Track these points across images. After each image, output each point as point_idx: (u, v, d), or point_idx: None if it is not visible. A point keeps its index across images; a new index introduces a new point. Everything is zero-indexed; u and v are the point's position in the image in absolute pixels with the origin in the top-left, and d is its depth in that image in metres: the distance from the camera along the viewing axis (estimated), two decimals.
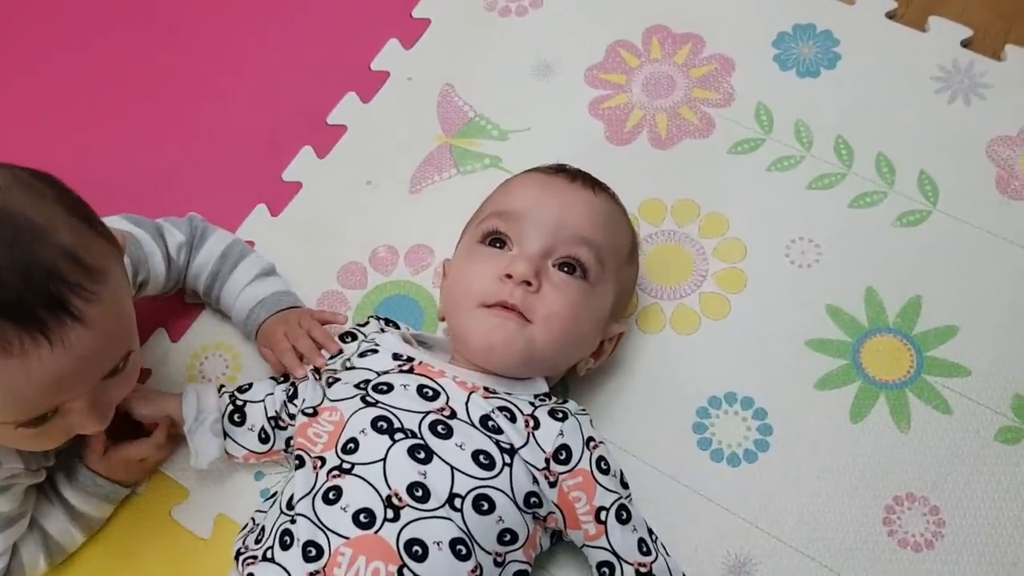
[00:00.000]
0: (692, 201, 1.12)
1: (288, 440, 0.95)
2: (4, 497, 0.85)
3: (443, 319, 1.01)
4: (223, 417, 0.96)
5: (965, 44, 1.20)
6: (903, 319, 1.04)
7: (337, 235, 1.14)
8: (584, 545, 0.88)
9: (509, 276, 0.88)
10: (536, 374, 0.92)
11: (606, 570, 0.87)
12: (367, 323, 1.00)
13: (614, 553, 0.86)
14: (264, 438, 0.96)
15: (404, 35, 1.27)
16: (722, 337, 1.04)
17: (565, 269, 0.91)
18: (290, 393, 0.96)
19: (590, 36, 1.25)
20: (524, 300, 0.88)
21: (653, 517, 0.92)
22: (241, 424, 0.96)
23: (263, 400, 0.97)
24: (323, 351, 0.96)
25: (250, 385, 0.99)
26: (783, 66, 1.21)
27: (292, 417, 0.94)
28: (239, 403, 0.97)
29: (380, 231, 1.14)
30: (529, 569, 0.86)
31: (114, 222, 0.93)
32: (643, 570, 0.86)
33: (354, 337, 0.98)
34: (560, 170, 0.98)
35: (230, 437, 0.96)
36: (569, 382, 1.01)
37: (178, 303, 1.09)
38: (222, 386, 1.00)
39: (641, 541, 0.87)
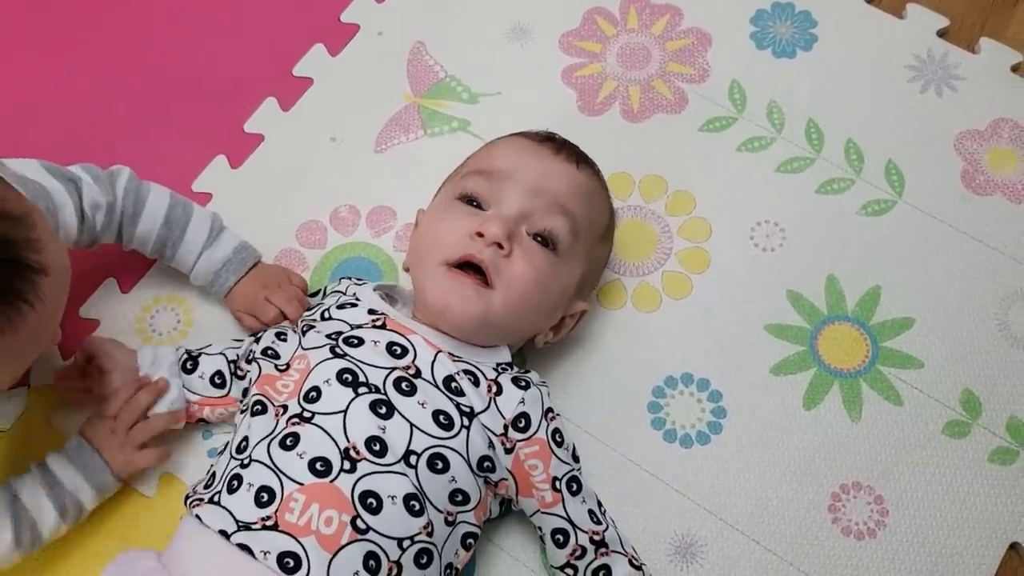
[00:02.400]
0: (661, 177, 1.11)
1: (245, 391, 0.94)
2: None
3: (407, 270, 0.99)
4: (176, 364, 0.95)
5: (941, 34, 1.19)
6: (862, 308, 1.04)
7: (298, 191, 1.12)
8: (537, 512, 0.89)
9: (480, 235, 0.88)
10: (491, 341, 0.91)
11: (560, 537, 0.88)
12: (339, 283, 0.99)
13: (569, 521, 0.87)
14: (219, 383, 0.95)
15: None
16: (682, 317, 1.04)
17: (539, 239, 0.90)
18: (255, 337, 0.95)
19: (567, 1, 1.23)
20: (493, 260, 0.87)
21: (603, 494, 0.93)
22: (192, 372, 0.96)
23: (222, 352, 0.96)
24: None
25: (208, 346, 0.98)
26: (760, 44, 1.19)
27: (250, 361, 0.93)
28: (194, 354, 0.97)
29: (342, 190, 1.12)
30: (479, 532, 0.87)
31: (27, 168, 0.89)
32: (596, 538, 0.88)
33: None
34: (547, 139, 0.97)
35: (185, 386, 0.95)
36: (526, 353, 1.01)
37: (130, 253, 1.07)
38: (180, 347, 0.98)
39: (591, 512, 0.88)
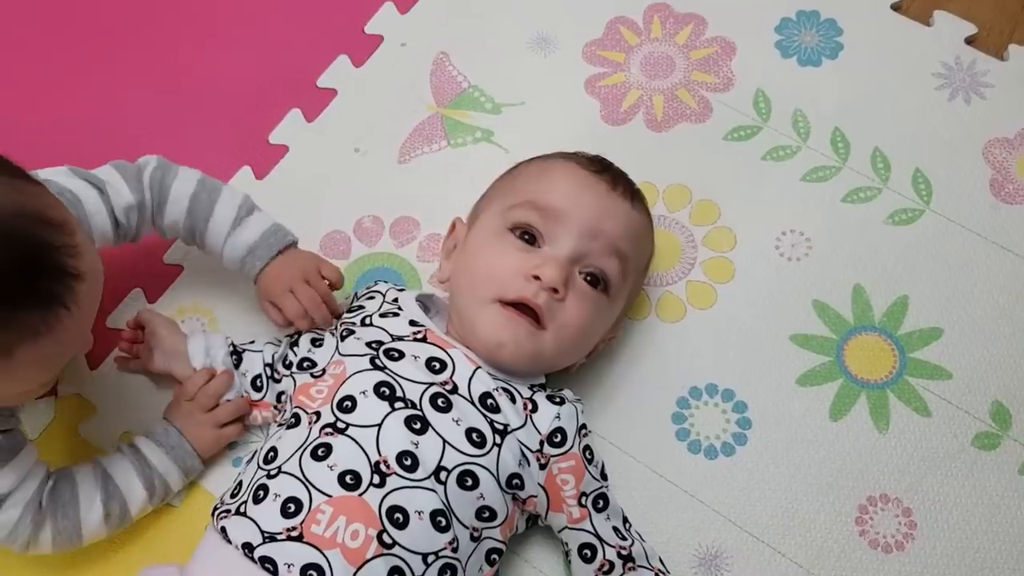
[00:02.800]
0: (685, 187, 1.11)
1: (279, 395, 0.95)
2: None
3: (443, 282, 0.99)
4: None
5: (969, 41, 1.18)
6: (889, 319, 1.03)
7: (322, 202, 1.12)
8: (565, 528, 0.88)
9: (537, 277, 0.87)
10: (533, 372, 0.92)
11: (588, 552, 0.88)
12: (375, 284, 1.00)
13: (597, 536, 0.88)
14: (258, 386, 0.96)
15: None
16: (706, 327, 1.04)
17: (589, 279, 0.90)
18: (292, 341, 0.96)
19: (590, 11, 1.22)
20: (547, 305, 0.87)
21: (628, 505, 0.93)
22: (237, 367, 0.97)
23: (262, 350, 0.98)
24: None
25: (252, 342, 1.00)
26: (785, 53, 1.19)
27: (288, 367, 0.94)
28: (238, 349, 0.98)
29: (366, 200, 1.12)
30: (503, 548, 0.87)
31: (58, 174, 0.90)
32: (624, 552, 0.88)
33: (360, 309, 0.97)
34: (603, 169, 0.95)
35: None
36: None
37: (157, 263, 1.08)
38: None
39: (616, 529, 0.89)
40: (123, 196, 0.93)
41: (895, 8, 1.21)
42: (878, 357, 1.01)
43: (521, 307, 0.88)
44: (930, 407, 0.99)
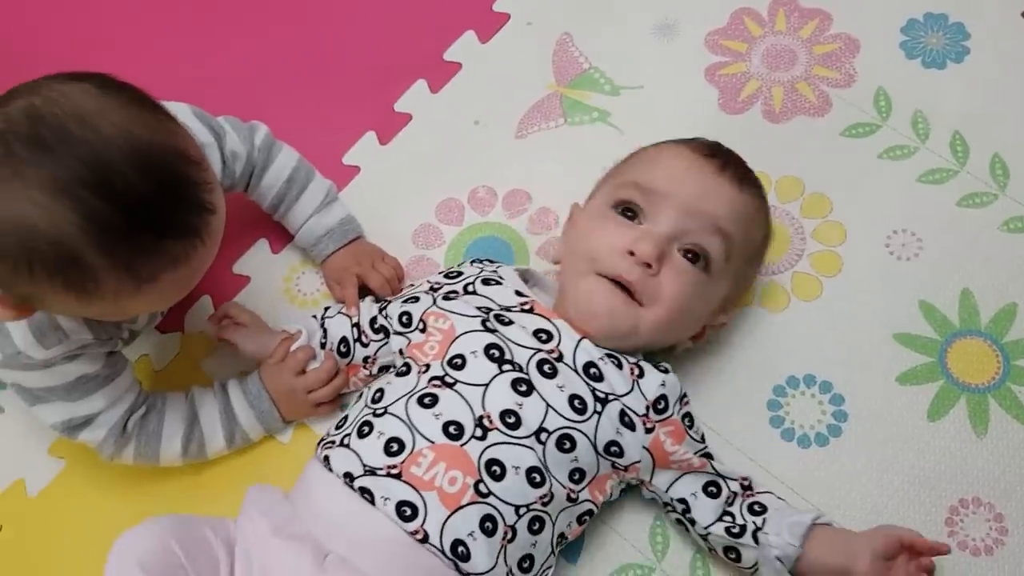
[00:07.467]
0: (798, 179, 1.12)
1: (365, 359, 0.99)
2: (81, 361, 0.88)
3: (557, 263, 1.02)
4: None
5: None
6: (995, 324, 1.03)
7: (440, 170, 1.16)
8: (682, 477, 0.91)
9: (632, 253, 0.89)
10: (633, 348, 0.93)
11: (713, 488, 0.91)
12: (469, 264, 1.02)
13: (718, 474, 0.91)
14: (344, 351, 1.00)
15: None
16: (810, 319, 1.05)
17: (689, 256, 0.91)
18: (381, 306, 0.99)
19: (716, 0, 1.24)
20: (641, 280, 0.89)
21: None
22: (323, 344, 1.01)
23: (348, 315, 1.01)
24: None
25: (327, 308, 1.03)
26: (909, 54, 1.18)
27: (377, 332, 0.98)
28: (322, 323, 1.02)
29: (482, 171, 1.16)
30: (595, 511, 0.90)
31: (178, 111, 0.92)
32: (745, 483, 0.93)
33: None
34: (714, 153, 0.96)
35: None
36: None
37: None
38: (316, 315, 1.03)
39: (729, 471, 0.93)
40: (234, 144, 0.99)
41: None
42: (982, 362, 1.01)
43: (617, 284, 0.90)
44: None
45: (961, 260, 1.06)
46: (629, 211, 0.93)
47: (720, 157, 0.96)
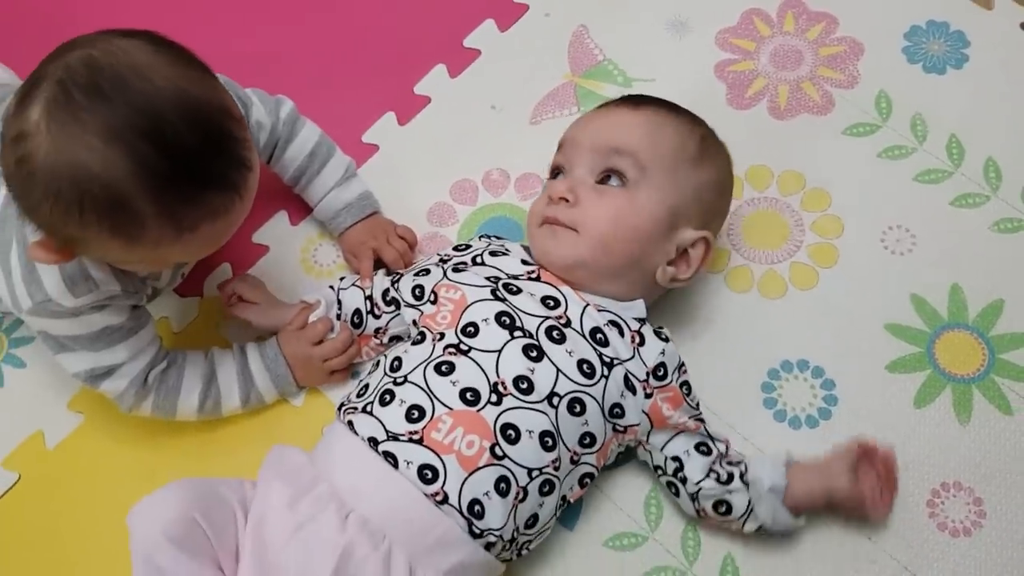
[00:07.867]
0: (799, 174, 1.16)
1: (376, 330, 1.03)
2: (107, 312, 0.92)
3: None
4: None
5: None
6: (982, 319, 1.07)
7: (456, 151, 1.21)
8: (676, 436, 0.96)
9: (551, 198, 0.97)
10: (614, 285, 0.97)
11: (704, 448, 0.96)
12: (477, 239, 1.07)
13: (709, 436, 0.97)
14: (356, 322, 1.04)
15: None
16: (806, 307, 1.09)
17: (602, 180, 0.98)
18: (393, 279, 1.03)
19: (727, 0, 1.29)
20: (566, 213, 0.96)
21: None
22: (338, 316, 1.05)
23: (361, 287, 1.05)
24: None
25: (342, 279, 1.08)
26: (911, 59, 1.23)
27: (388, 304, 1.02)
28: (338, 295, 1.06)
29: (496, 154, 1.20)
30: (596, 473, 0.95)
31: None
32: (731, 448, 0.99)
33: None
34: (627, 99, 1.05)
35: None
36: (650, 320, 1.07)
37: None
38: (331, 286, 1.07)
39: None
40: (259, 114, 1.02)
41: None
42: (968, 354, 1.06)
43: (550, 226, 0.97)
44: (1013, 407, 1.03)
45: (952, 257, 1.11)
46: (557, 172, 1.02)
47: (633, 99, 1.04)
